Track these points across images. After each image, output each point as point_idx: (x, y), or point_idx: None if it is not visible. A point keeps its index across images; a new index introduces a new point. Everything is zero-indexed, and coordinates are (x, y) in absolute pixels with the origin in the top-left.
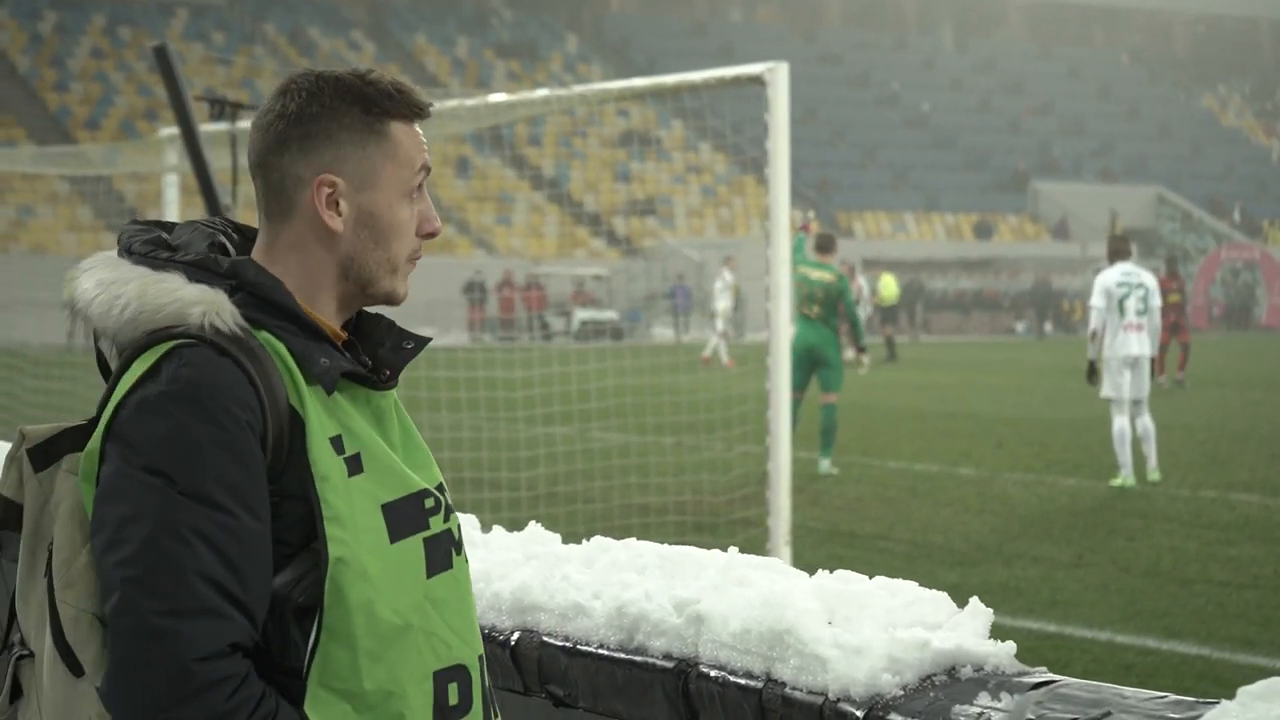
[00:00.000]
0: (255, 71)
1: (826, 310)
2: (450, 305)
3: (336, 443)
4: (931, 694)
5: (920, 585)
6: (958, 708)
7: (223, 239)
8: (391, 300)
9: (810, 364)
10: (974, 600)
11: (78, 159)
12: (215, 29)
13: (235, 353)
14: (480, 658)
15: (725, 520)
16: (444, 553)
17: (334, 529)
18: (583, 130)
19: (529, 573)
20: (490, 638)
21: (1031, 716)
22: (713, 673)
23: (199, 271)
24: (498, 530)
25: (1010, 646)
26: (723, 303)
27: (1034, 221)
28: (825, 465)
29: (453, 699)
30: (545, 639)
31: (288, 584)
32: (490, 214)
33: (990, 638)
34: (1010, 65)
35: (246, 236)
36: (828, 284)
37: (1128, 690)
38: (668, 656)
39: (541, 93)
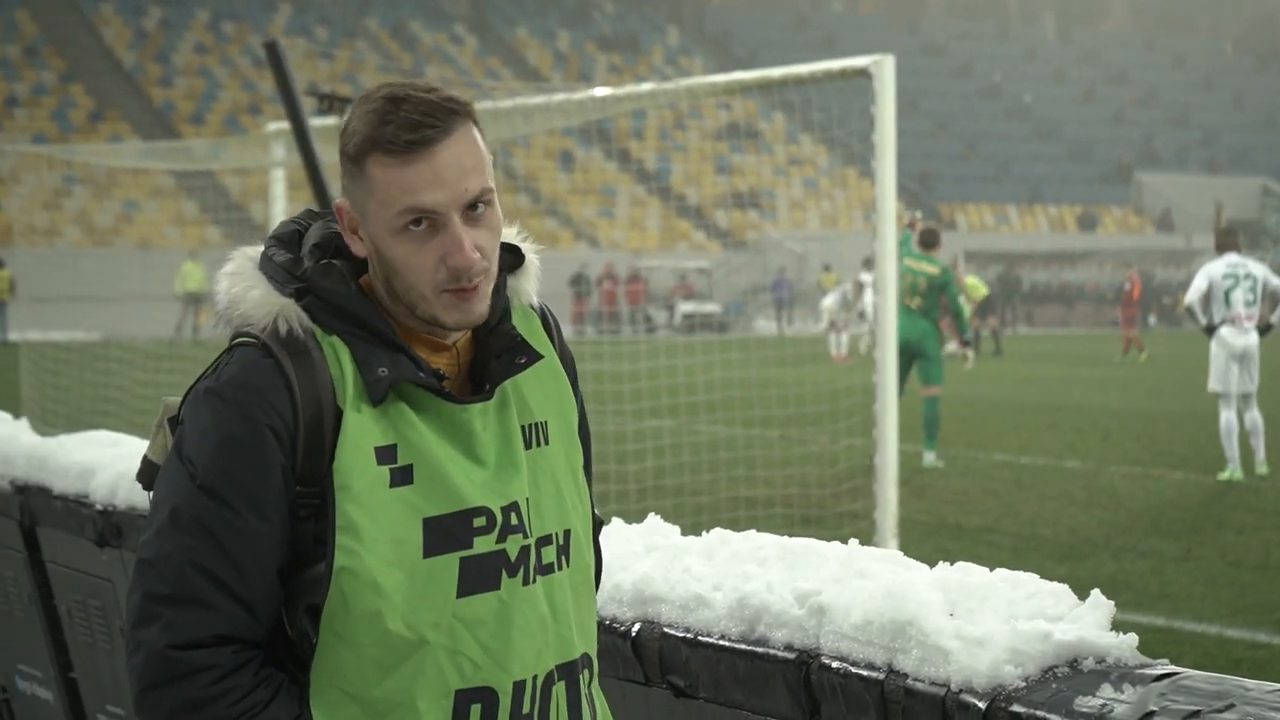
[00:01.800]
0: (357, 66)
1: (928, 303)
2: (554, 299)
3: (386, 452)
4: (1054, 686)
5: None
6: (1080, 699)
7: (341, 241)
8: (441, 325)
9: (909, 357)
10: (1095, 593)
11: (182, 154)
12: (318, 23)
13: (281, 356)
14: (521, 684)
15: (831, 513)
16: (488, 573)
17: (344, 538)
18: (684, 123)
19: (649, 564)
20: (611, 629)
21: (1154, 708)
22: (834, 664)
23: (279, 273)
24: (617, 522)
25: (1132, 639)
26: (829, 300)
27: (1138, 214)
28: (930, 458)
29: (474, 719)
30: (666, 630)
31: (310, 581)
32: (593, 207)
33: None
34: (1114, 56)
35: None
36: (932, 276)
37: (1250, 682)
38: (789, 648)
39: (645, 86)
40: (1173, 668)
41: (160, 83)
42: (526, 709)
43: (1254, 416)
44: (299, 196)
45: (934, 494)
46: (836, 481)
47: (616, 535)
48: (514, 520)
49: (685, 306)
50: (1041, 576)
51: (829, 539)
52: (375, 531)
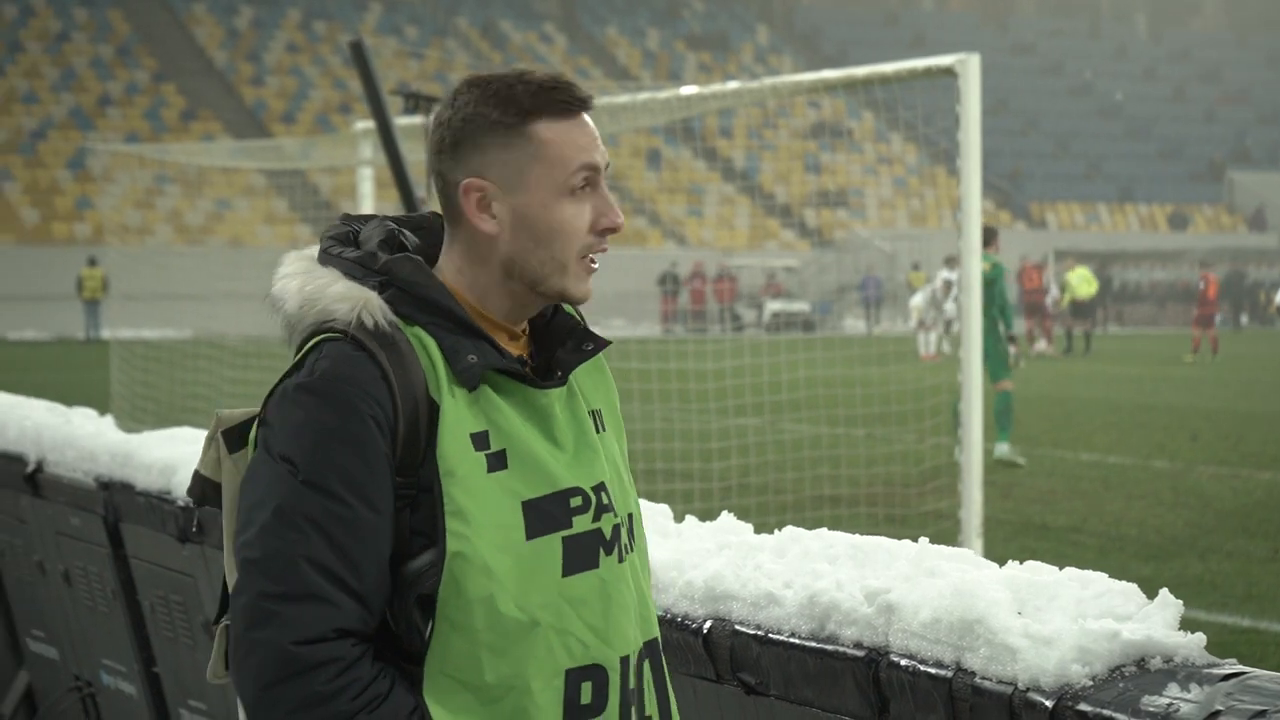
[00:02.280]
0: (447, 65)
1: (984, 301)
2: (643, 297)
3: (480, 438)
4: (1120, 685)
5: (1112, 578)
6: (1146, 699)
7: (401, 236)
8: (568, 298)
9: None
10: (1164, 592)
11: (274, 153)
12: (408, 23)
13: (373, 347)
14: (625, 659)
15: (916, 512)
16: (588, 552)
17: (455, 523)
18: (773, 122)
19: (721, 562)
20: (683, 626)
21: (1220, 708)
22: (903, 662)
23: (355, 268)
24: (690, 520)
25: (1200, 638)
26: (917, 299)
27: (1230, 212)
28: (1003, 450)
29: (585, 698)
30: (737, 627)
31: (416, 572)
32: (681, 206)
33: (1180, 630)
34: (1205, 53)
35: (434, 232)
36: (983, 274)
37: None
38: (858, 645)
39: (730, 85)
40: (1240, 667)
41: (252, 82)
42: (632, 684)
43: None
44: (386, 195)
45: (1020, 493)
46: (921, 480)
47: (690, 533)
48: (604, 499)
49: (774, 305)
50: (1126, 576)
51: (914, 538)
52: (481, 516)
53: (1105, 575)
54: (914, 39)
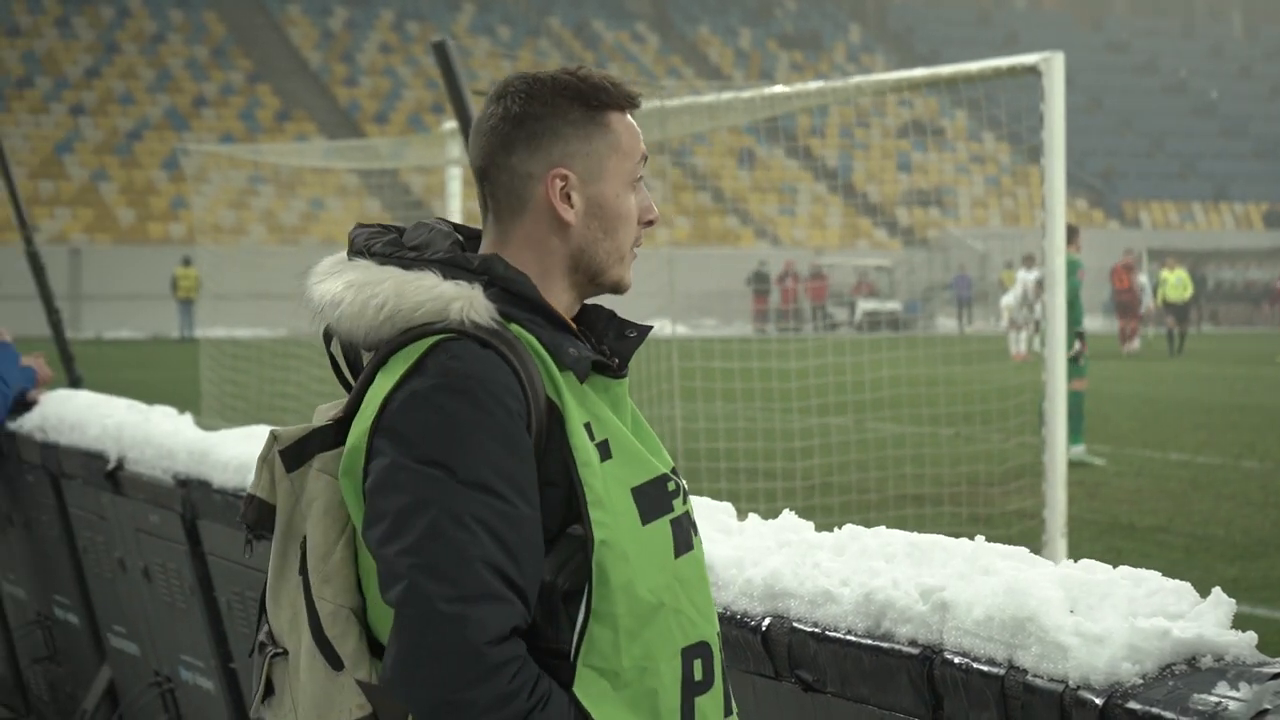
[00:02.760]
0: (540, 66)
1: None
2: (734, 296)
3: (588, 430)
4: (1170, 683)
5: (1199, 579)
6: (1196, 696)
7: (458, 237)
8: (619, 289)
9: None
10: (1216, 590)
11: (366, 153)
12: (501, 23)
13: (497, 345)
14: (718, 634)
15: (1000, 512)
16: (685, 534)
17: (597, 513)
18: (865, 121)
19: (780, 560)
20: (742, 623)
21: (1269, 706)
22: (957, 659)
23: (452, 269)
24: (753, 518)
25: (1251, 637)
26: (1008, 298)
27: None
28: (1077, 452)
29: (697, 674)
30: (795, 625)
31: (552, 569)
32: (773, 205)
33: (1234, 628)
34: None
35: (468, 235)
36: None
37: None
38: (913, 643)
39: (814, 84)
40: None
41: (345, 82)
42: (724, 661)
43: None
44: (473, 194)
45: (1107, 493)
46: (1006, 480)
47: (751, 530)
48: (684, 484)
49: (866, 304)
50: (1211, 577)
51: (997, 538)
52: (612, 504)
53: (1159, 574)
54: (1007, 38)
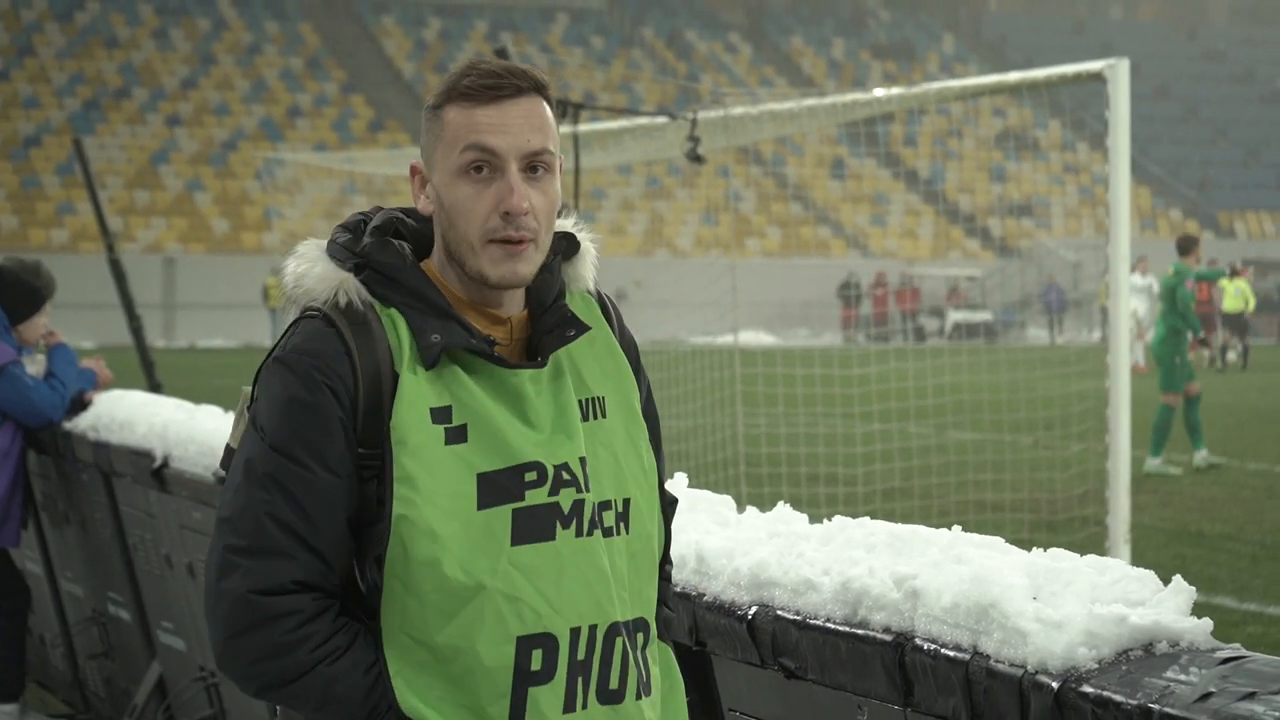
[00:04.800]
0: (633, 76)
1: (1165, 307)
2: (824, 306)
3: (441, 412)
4: (1124, 668)
5: (1264, 587)
6: (1146, 680)
7: (400, 223)
8: (486, 280)
9: (1157, 363)
10: (1176, 578)
11: None
12: (594, 33)
13: (341, 324)
14: (576, 630)
15: (1067, 518)
16: (542, 524)
17: (402, 489)
18: (958, 130)
19: (768, 550)
20: (729, 611)
21: (1214, 689)
22: (926, 645)
23: (339, 251)
24: (751, 510)
25: (1206, 624)
26: (1131, 304)
27: None
28: (1153, 464)
29: (535, 665)
30: (779, 613)
31: (377, 535)
32: (865, 215)
33: (1267, 624)
34: None
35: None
36: (1166, 279)
37: None
38: (887, 630)
39: (878, 91)
40: (1242, 651)
41: None
42: (582, 656)
43: None
44: None
45: (1179, 501)
46: (1072, 486)
47: (747, 523)
48: (566, 476)
49: (956, 315)
50: (1276, 585)
51: (1064, 544)
52: (431, 483)
53: (1124, 562)
54: (1101, 47)
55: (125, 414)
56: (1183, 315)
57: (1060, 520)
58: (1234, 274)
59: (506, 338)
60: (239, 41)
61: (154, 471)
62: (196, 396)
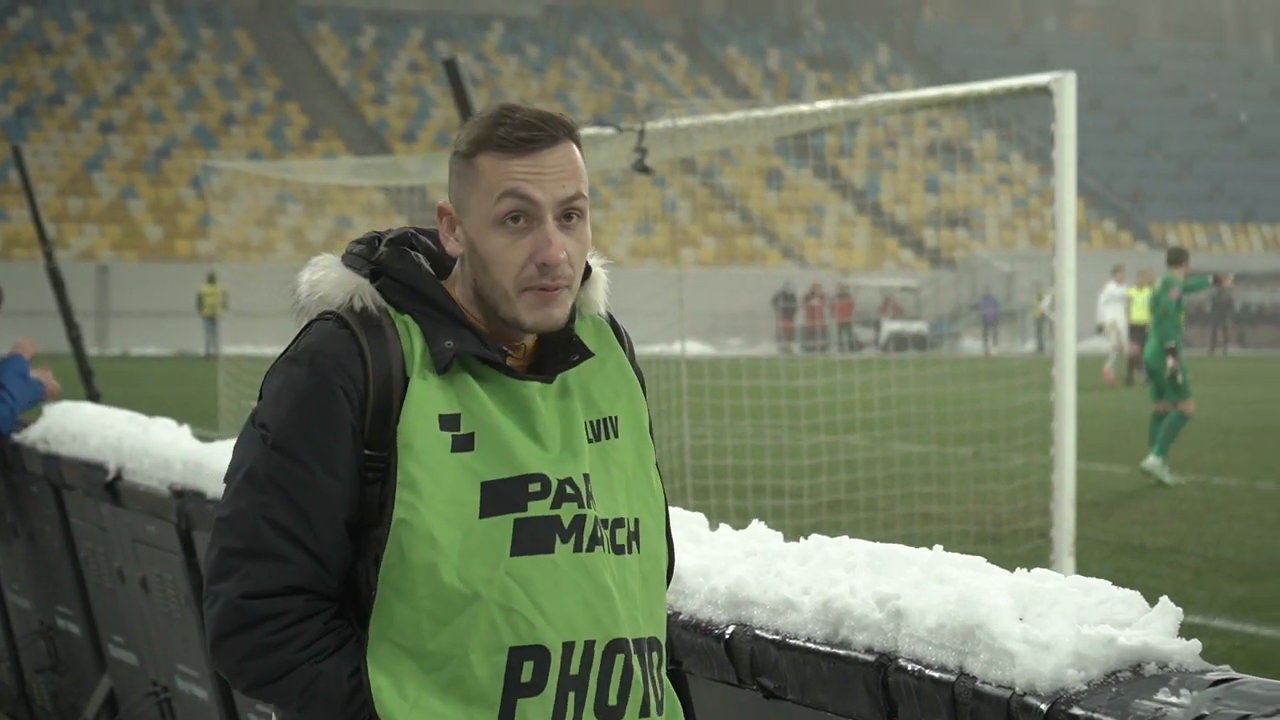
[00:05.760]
0: (568, 85)
1: (1154, 319)
2: (759, 316)
3: (450, 420)
4: (1114, 689)
5: (1207, 599)
6: (1137, 702)
7: (414, 239)
8: (521, 326)
9: (1151, 375)
10: (1164, 599)
11: (394, 170)
12: (530, 42)
13: (355, 326)
14: (570, 645)
15: (1010, 530)
16: (542, 536)
17: (405, 493)
18: (893, 141)
19: (745, 569)
20: (706, 630)
21: (1206, 712)
22: (910, 666)
23: (354, 260)
24: (724, 529)
25: (1195, 645)
26: (1110, 315)
27: None
28: (1153, 462)
29: (525, 676)
30: (758, 632)
31: (376, 539)
32: (800, 225)
33: (1240, 648)
34: None
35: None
36: (1155, 291)
37: None
38: (869, 650)
39: (824, 104)
40: (1232, 674)
41: (374, 101)
42: (575, 670)
43: None
44: None
45: (1120, 514)
46: (1016, 499)
47: (720, 540)
48: (569, 490)
49: (891, 325)
50: (1220, 597)
51: (1007, 557)
52: (434, 489)
53: (1108, 583)
54: (1036, 59)
55: (77, 426)
56: (1158, 321)
57: (1004, 533)
58: (1143, 284)
59: (519, 351)
60: (173, 48)
61: (107, 485)
62: (132, 405)
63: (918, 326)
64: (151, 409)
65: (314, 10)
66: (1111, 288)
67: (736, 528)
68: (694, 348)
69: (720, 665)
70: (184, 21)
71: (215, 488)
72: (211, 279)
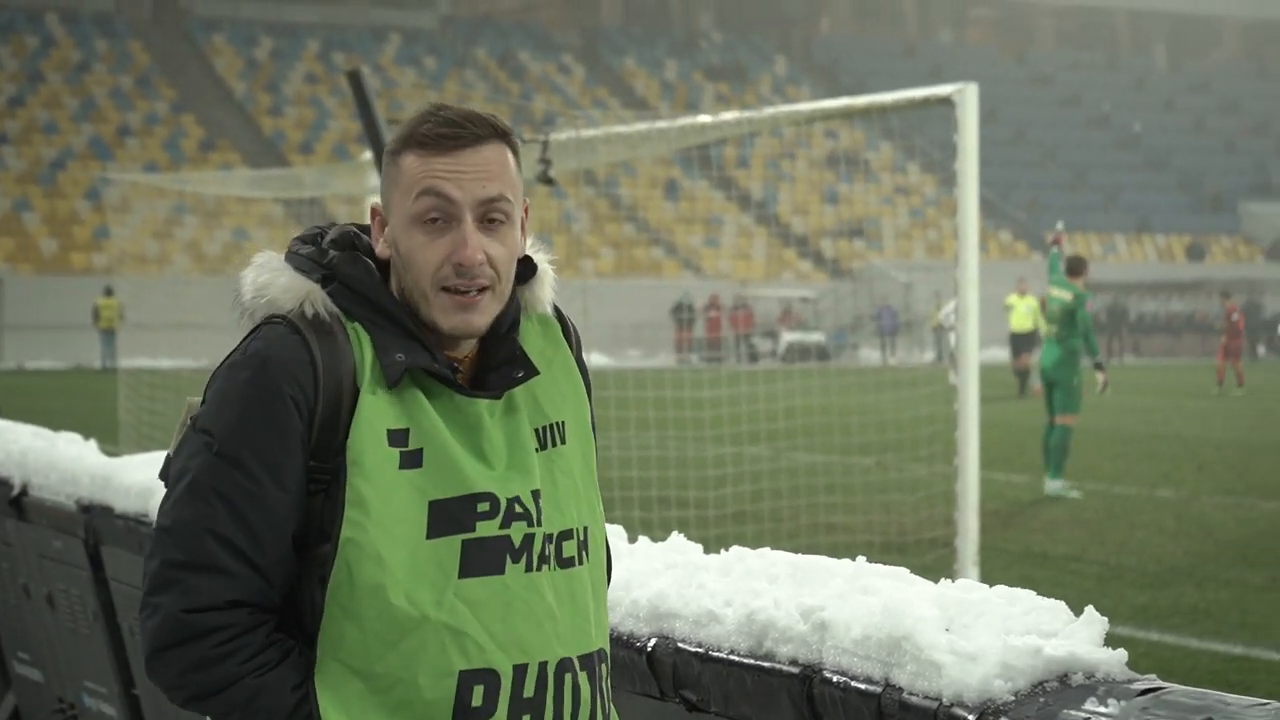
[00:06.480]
0: (466, 96)
1: (1064, 330)
2: (657, 327)
3: (399, 435)
4: (1041, 700)
5: (1109, 607)
6: (1065, 712)
7: (356, 239)
8: (438, 329)
9: (1049, 385)
10: (1089, 609)
11: (290, 182)
12: (427, 54)
13: (306, 333)
14: (522, 668)
15: (914, 540)
16: (492, 557)
17: (352, 511)
18: (791, 152)
19: (666, 581)
20: (628, 644)
21: None
22: (835, 678)
23: (305, 263)
24: (643, 541)
25: (1121, 654)
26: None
27: (1247, 243)
28: (1054, 487)
29: (475, 700)
30: (680, 645)
31: (322, 556)
32: (699, 236)
33: (1144, 656)
34: (1225, 85)
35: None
36: (1065, 303)
37: (1231, 697)
38: (794, 662)
39: (733, 114)
40: (1159, 683)
41: (270, 112)
42: (529, 693)
43: None
44: None
45: (1022, 523)
46: (919, 509)
47: (640, 553)
48: (518, 509)
49: (789, 336)
50: (1122, 605)
51: (912, 567)
52: (382, 508)
53: (1033, 593)
54: (931, 70)
55: None
56: (1084, 337)
57: (909, 543)
58: (1022, 292)
59: (463, 363)
60: (68, 59)
61: (12, 500)
62: (29, 419)
63: (816, 337)
64: (49, 423)
65: (210, 21)
66: (1010, 298)
67: (635, 540)
68: (594, 359)
69: (642, 678)
70: (79, 32)
71: (124, 503)
72: (108, 292)
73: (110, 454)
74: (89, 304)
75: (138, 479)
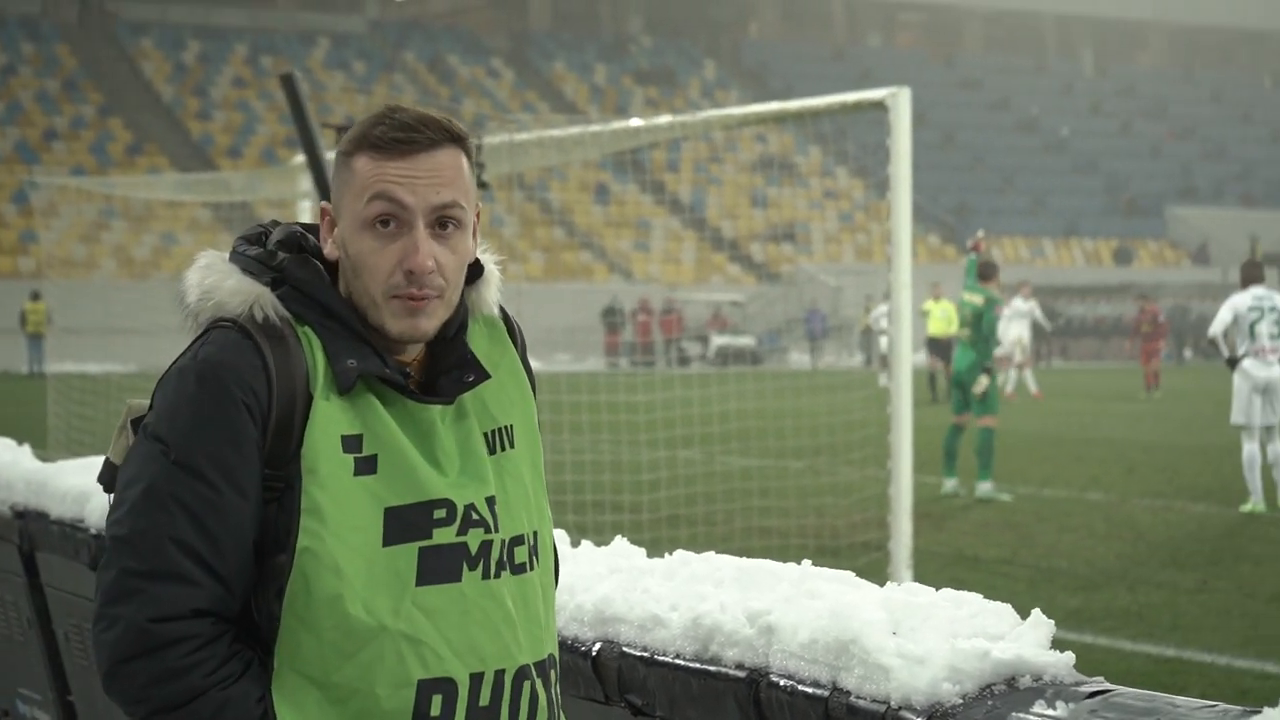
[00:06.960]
0: (395, 100)
1: (976, 334)
2: (587, 331)
3: (353, 441)
4: (990, 702)
5: (1041, 610)
6: (1013, 715)
7: (303, 240)
8: (387, 334)
9: (963, 388)
10: (1036, 612)
11: (219, 186)
12: (356, 58)
13: (258, 338)
14: (478, 676)
15: (848, 544)
16: (449, 565)
17: (309, 520)
18: (720, 156)
19: (611, 586)
20: (573, 648)
21: None
22: (782, 682)
23: (253, 264)
24: (586, 545)
25: (1069, 657)
26: (1015, 331)
27: (1174, 247)
28: (985, 489)
29: (434, 710)
30: (625, 649)
31: (279, 566)
32: (628, 240)
33: (1078, 659)
34: (1151, 89)
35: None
36: (976, 307)
37: (1179, 699)
38: (740, 666)
39: (665, 119)
40: (1106, 685)
41: (198, 116)
42: (485, 702)
43: (1277, 449)
44: None
45: (953, 526)
46: (852, 512)
47: (583, 557)
48: (475, 516)
49: (719, 340)
50: (1054, 608)
51: (847, 569)
52: (338, 516)
53: (980, 596)
54: (860, 75)
55: None
56: (985, 340)
57: (842, 546)
58: (937, 297)
59: (414, 367)
60: None
61: None
62: None
63: (745, 341)
64: None
65: (137, 25)
66: (1017, 303)
67: (578, 544)
68: None
69: (587, 683)
70: (4, 35)
71: (59, 508)
72: (35, 296)
73: (40, 459)
74: (16, 308)
75: (73, 484)
